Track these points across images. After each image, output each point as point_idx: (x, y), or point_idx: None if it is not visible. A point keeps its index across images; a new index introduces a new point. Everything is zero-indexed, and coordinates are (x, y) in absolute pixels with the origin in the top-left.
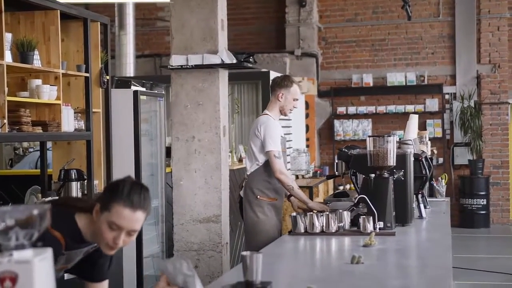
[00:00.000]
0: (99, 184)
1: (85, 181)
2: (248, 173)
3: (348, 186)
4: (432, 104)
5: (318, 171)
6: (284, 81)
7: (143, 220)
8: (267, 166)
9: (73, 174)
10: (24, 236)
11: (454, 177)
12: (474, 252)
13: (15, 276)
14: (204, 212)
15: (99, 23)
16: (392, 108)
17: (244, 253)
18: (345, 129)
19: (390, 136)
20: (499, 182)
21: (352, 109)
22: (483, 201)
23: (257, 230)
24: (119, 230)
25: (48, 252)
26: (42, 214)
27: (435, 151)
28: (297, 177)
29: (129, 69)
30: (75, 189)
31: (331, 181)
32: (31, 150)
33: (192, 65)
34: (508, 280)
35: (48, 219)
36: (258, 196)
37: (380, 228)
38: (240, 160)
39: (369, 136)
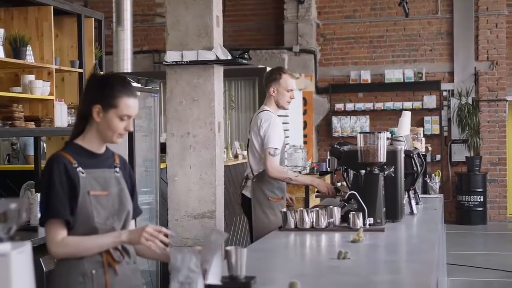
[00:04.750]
0: None
1: None
2: (255, 173)
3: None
4: (430, 101)
5: (316, 168)
6: (273, 75)
7: None
8: None
9: None
10: (2, 229)
11: (451, 174)
12: (471, 249)
13: None
14: (198, 208)
15: (93, 19)
16: (390, 105)
17: (228, 248)
18: (343, 126)
19: (380, 132)
20: (496, 179)
21: (350, 106)
22: (480, 198)
23: (267, 231)
24: (128, 119)
25: (27, 246)
26: (20, 208)
27: (430, 148)
28: None
29: (127, 65)
30: None
31: (328, 177)
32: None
33: (187, 61)
34: (504, 277)
35: (25, 214)
36: (270, 198)
37: (370, 224)
38: (236, 156)
39: (360, 133)
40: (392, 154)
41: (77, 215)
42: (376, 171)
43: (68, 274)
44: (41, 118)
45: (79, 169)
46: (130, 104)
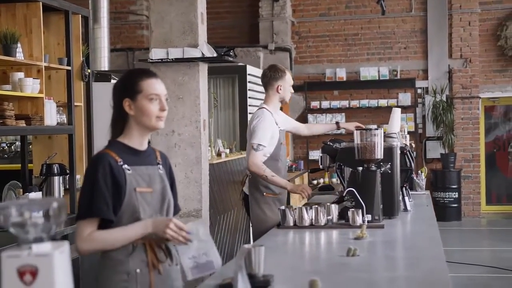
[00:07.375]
0: (81, 179)
1: (67, 175)
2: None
3: (322, 180)
4: (405, 98)
5: (293, 166)
6: (278, 73)
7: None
8: (270, 161)
9: (56, 168)
10: (43, 229)
11: (427, 170)
12: (447, 245)
13: (35, 270)
14: (184, 207)
15: (80, 15)
16: (365, 102)
17: (246, 246)
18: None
19: (377, 129)
20: (470, 175)
21: (325, 104)
22: (455, 195)
23: (265, 227)
24: (158, 98)
25: (66, 245)
26: (60, 207)
27: (414, 145)
28: None
29: (104, 63)
30: (58, 184)
31: (306, 175)
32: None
33: (172, 59)
34: (481, 272)
35: (65, 213)
36: (265, 193)
37: (368, 221)
38: (219, 154)
39: (357, 129)
40: (388, 151)
41: (123, 212)
42: (373, 167)
43: (113, 272)
44: (31, 116)
45: (125, 166)
46: (153, 83)
